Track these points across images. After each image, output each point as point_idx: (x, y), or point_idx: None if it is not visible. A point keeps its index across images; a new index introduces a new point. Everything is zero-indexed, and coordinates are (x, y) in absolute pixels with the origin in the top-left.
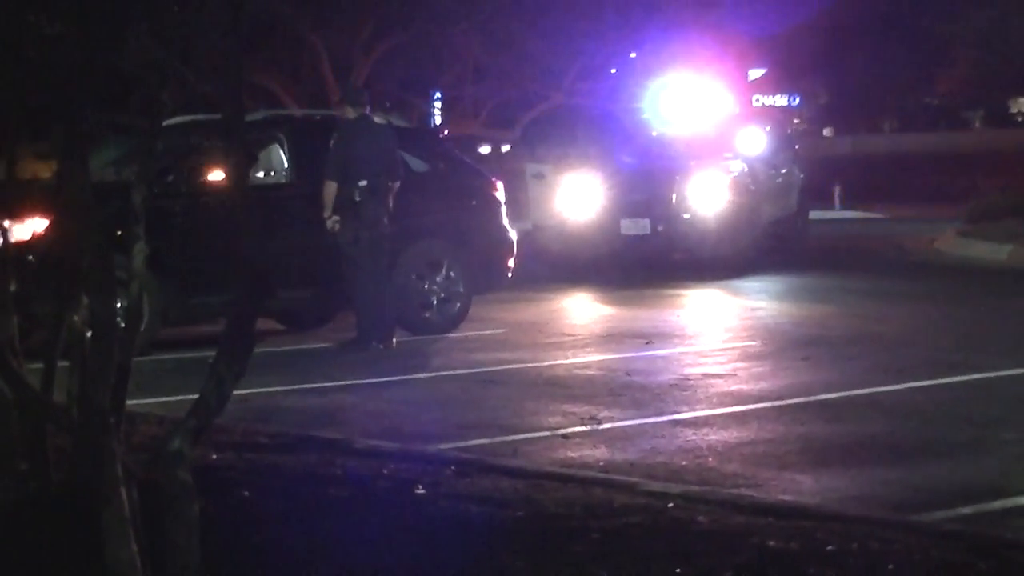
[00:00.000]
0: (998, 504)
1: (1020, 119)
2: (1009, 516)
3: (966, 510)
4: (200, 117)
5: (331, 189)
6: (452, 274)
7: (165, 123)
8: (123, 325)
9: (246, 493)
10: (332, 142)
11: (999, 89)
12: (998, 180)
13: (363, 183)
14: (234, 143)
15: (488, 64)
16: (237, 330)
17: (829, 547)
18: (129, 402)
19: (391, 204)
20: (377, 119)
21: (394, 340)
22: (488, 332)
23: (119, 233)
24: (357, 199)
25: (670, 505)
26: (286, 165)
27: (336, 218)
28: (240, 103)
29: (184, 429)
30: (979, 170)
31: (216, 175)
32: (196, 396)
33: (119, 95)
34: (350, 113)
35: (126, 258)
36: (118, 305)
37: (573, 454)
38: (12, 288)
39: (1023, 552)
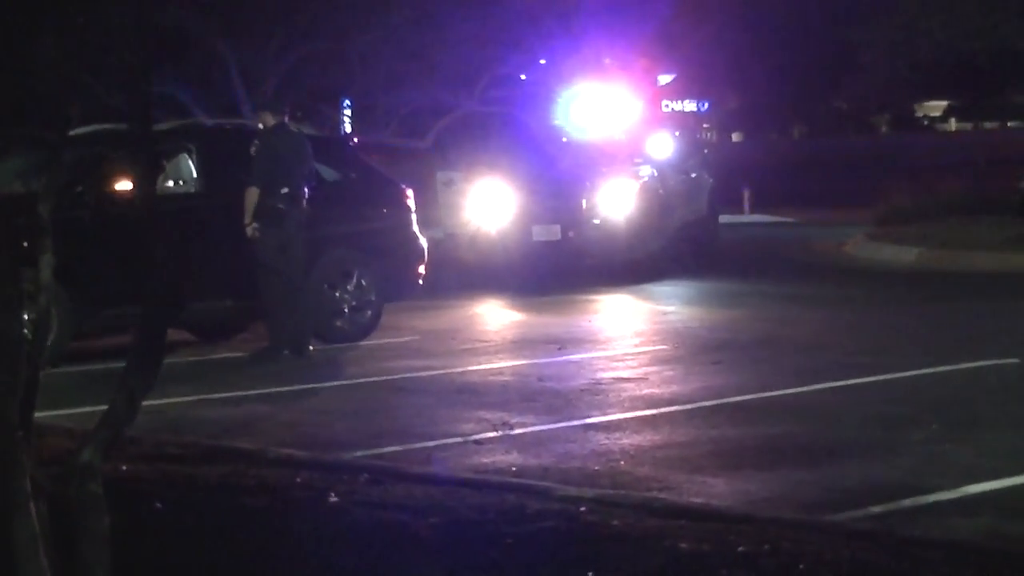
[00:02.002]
0: (908, 503)
1: (926, 123)
2: (919, 514)
3: (877, 509)
4: (107, 127)
5: (253, 196)
6: (363, 282)
7: (72, 134)
8: (31, 338)
9: (158, 505)
10: (254, 150)
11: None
12: (906, 184)
13: (285, 190)
14: (141, 154)
15: (399, 72)
16: (147, 341)
17: (741, 548)
18: (38, 415)
19: (307, 212)
20: (293, 128)
21: (311, 348)
22: (401, 340)
23: (26, 245)
24: (280, 206)
25: (583, 509)
26: (195, 175)
27: (256, 225)
28: (147, 113)
29: (94, 441)
30: (887, 174)
31: (124, 186)
32: (106, 408)
33: (25, 107)
34: (269, 120)
35: (33, 270)
36: (25, 318)
37: (486, 460)
38: None
39: (933, 550)
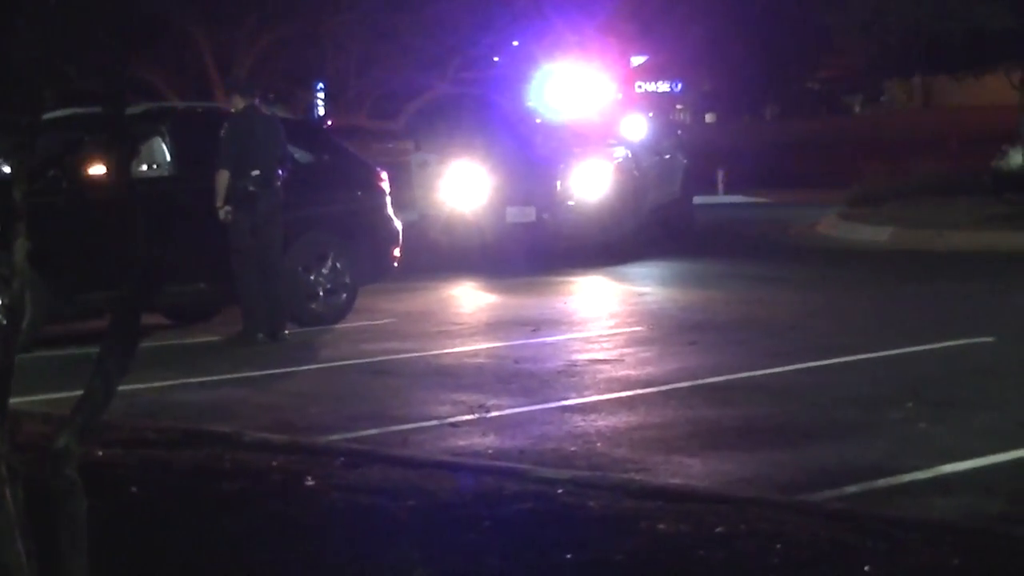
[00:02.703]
0: (883, 482)
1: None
2: (895, 494)
3: (853, 489)
4: (80, 111)
5: (224, 179)
6: (338, 265)
7: (46, 118)
8: (5, 323)
9: (135, 489)
10: (223, 132)
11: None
12: (878, 164)
13: (256, 173)
14: (117, 137)
15: (372, 54)
16: (122, 325)
17: (718, 529)
18: (13, 400)
19: (282, 194)
20: (265, 110)
21: (286, 332)
22: (376, 322)
23: None
24: (251, 189)
25: (560, 491)
26: (168, 158)
27: (229, 208)
28: (123, 97)
29: (71, 426)
30: (859, 154)
31: (98, 169)
32: (82, 393)
33: None
34: (239, 103)
35: (7, 255)
36: None
37: (463, 442)
38: None
39: (910, 530)
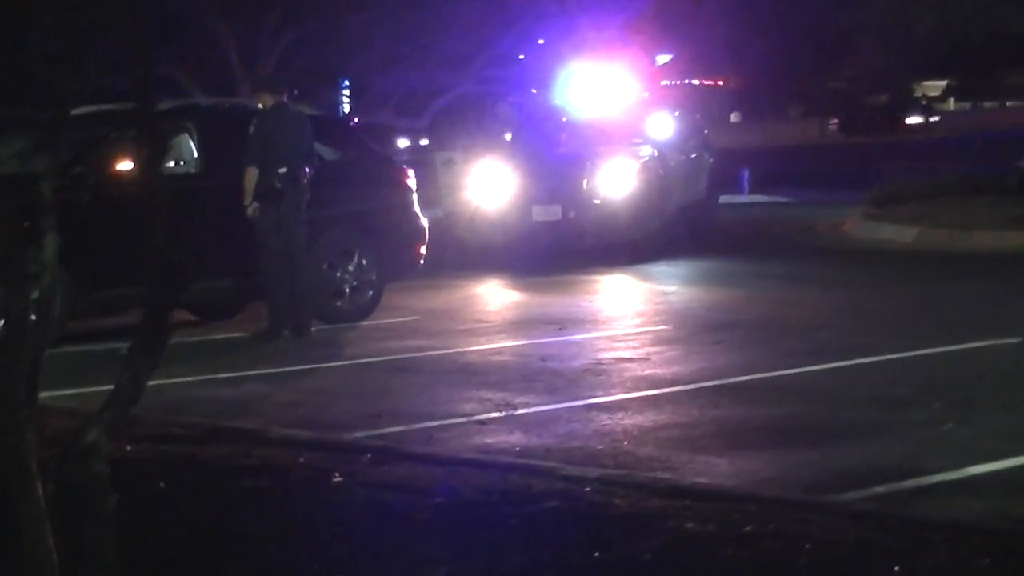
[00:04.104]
0: (910, 483)
1: (924, 103)
2: (922, 495)
3: (880, 490)
4: (107, 108)
5: (252, 176)
6: (364, 262)
7: (72, 114)
8: (34, 317)
9: (162, 485)
10: (252, 129)
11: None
12: (904, 164)
13: (283, 170)
14: (146, 133)
15: (395, 52)
16: (153, 321)
17: (745, 528)
18: (41, 395)
19: (308, 191)
20: (292, 108)
21: (313, 329)
22: (401, 320)
23: (27, 225)
24: (278, 186)
25: (587, 489)
26: (195, 155)
27: (256, 205)
28: (151, 93)
29: (100, 421)
30: (883, 154)
31: (125, 166)
32: (109, 388)
33: (22, 86)
34: (267, 100)
35: (36, 250)
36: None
37: (489, 440)
38: None
39: (937, 531)
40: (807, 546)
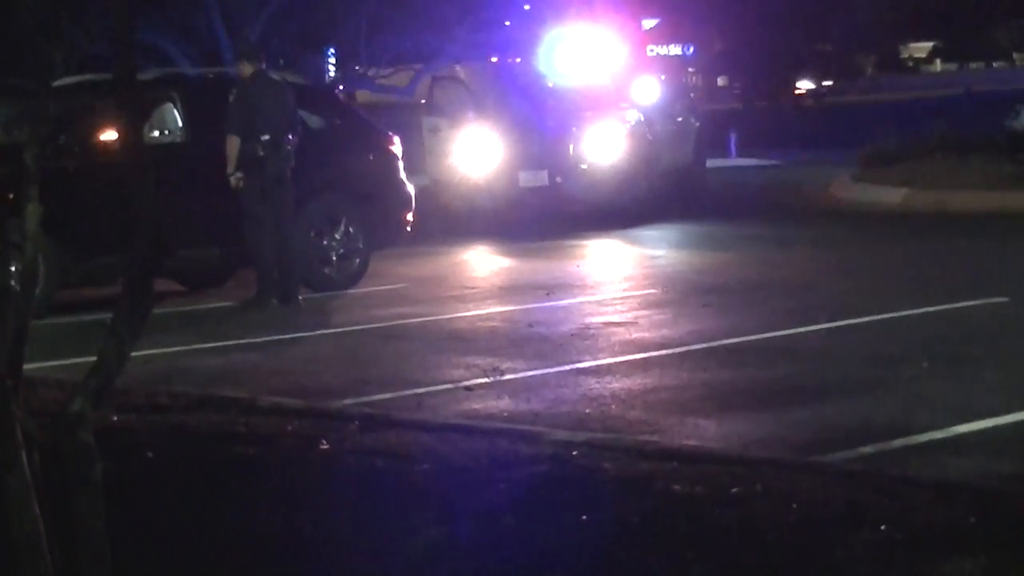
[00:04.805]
0: (899, 442)
1: (911, 64)
2: (911, 454)
3: (868, 449)
4: (92, 77)
5: (234, 144)
6: (351, 230)
7: (57, 84)
8: (18, 288)
9: (150, 454)
10: (232, 98)
11: (891, 35)
12: (892, 125)
13: (265, 138)
14: (127, 101)
15: (382, 18)
16: (135, 289)
17: (734, 490)
18: (28, 366)
19: (293, 159)
20: (273, 76)
21: (300, 297)
22: (389, 287)
23: (11, 196)
24: (260, 154)
25: (575, 453)
26: (180, 124)
27: (240, 174)
28: (132, 60)
29: (84, 390)
30: (872, 115)
31: (110, 135)
32: (95, 357)
33: (8, 57)
34: (247, 69)
35: (20, 220)
36: (12, 268)
37: (477, 406)
38: None
39: (925, 490)
40: (795, 506)
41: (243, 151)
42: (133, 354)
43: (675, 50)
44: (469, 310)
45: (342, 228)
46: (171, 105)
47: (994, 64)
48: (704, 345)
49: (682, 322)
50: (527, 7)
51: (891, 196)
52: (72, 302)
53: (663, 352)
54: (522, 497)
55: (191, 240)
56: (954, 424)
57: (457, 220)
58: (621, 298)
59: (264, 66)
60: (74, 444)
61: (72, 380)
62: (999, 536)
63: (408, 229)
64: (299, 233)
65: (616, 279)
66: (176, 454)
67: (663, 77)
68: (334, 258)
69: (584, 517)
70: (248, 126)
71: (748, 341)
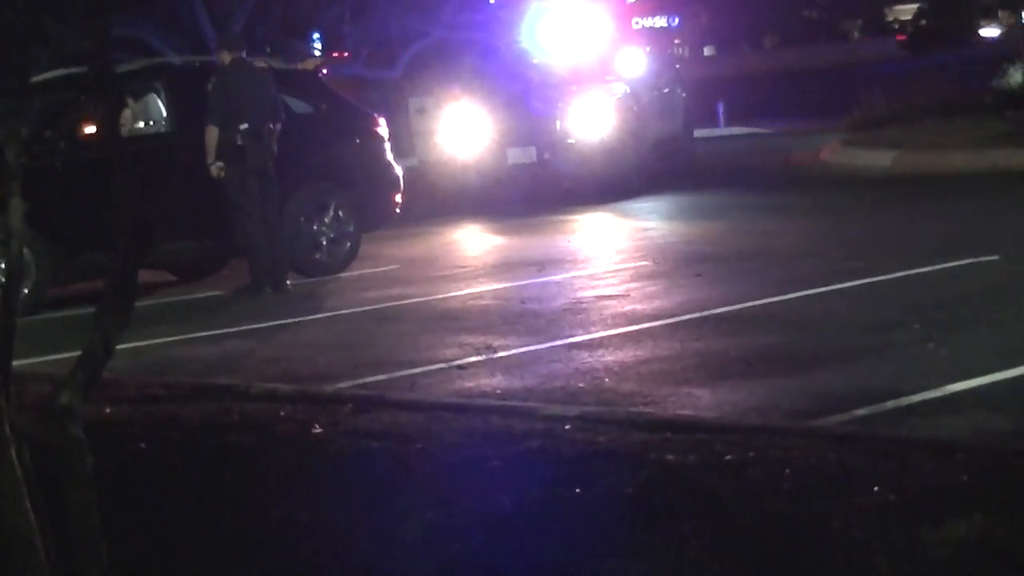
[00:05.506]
0: (892, 404)
1: (897, 27)
2: (903, 415)
3: (861, 412)
4: (75, 71)
5: (212, 134)
6: (340, 214)
7: (40, 79)
8: (5, 284)
9: (143, 445)
10: (210, 87)
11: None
12: (879, 89)
13: (244, 126)
14: (103, 92)
15: (365, 1)
16: (120, 280)
17: (728, 458)
18: (21, 362)
19: (275, 147)
20: (259, 63)
21: (288, 283)
22: (380, 269)
23: None
24: (240, 143)
25: (568, 427)
26: (165, 114)
27: (220, 164)
28: (108, 50)
29: (72, 383)
30: (859, 80)
31: (93, 130)
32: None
33: None
34: (226, 58)
35: (3, 217)
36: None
37: (470, 384)
38: None
39: (919, 450)
40: (789, 472)
41: (222, 141)
42: (125, 345)
43: (660, 22)
44: (461, 289)
45: (331, 212)
46: (155, 95)
47: (980, 24)
48: (697, 315)
49: (675, 292)
50: None
51: (881, 159)
52: (63, 297)
53: (656, 323)
54: (516, 473)
55: (179, 231)
56: (947, 383)
57: (446, 200)
58: (613, 271)
59: (244, 54)
60: (63, 438)
61: (63, 375)
62: (992, 494)
63: (397, 211)
64: (288, 220)
65: (607, 252)
66: (170, 444)
67: (648, 49)
68: (324, 243)
69: (578, 490)
70: (228, 115)
71: (741, 309)
